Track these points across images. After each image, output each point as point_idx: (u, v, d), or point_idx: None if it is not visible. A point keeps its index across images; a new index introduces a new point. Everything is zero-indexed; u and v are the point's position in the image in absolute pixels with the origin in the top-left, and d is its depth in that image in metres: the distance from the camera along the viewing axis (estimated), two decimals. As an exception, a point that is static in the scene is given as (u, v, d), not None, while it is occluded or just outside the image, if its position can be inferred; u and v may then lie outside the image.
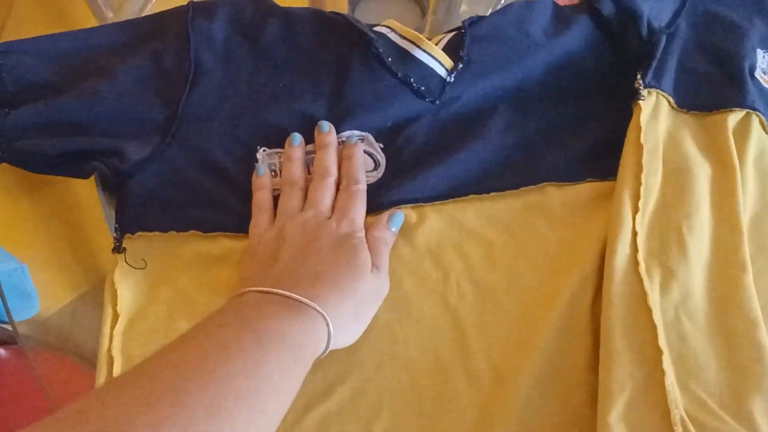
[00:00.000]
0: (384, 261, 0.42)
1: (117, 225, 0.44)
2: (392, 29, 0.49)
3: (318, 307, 0.35)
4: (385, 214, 0.44)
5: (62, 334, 1.31)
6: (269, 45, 0.49)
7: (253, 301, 0.36)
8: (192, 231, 0.44)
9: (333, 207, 0.44)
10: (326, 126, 0.47)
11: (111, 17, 0.56)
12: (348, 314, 0.37)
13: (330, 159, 0.45)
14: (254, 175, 0.46)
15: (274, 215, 0.44)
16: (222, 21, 0.50)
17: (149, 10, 0.57)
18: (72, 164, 0.46)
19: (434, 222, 0.45)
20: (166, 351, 0.32)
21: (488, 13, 0.52)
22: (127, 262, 0.42)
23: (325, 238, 0.40)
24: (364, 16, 0.55)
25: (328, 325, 0.35)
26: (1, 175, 0.48)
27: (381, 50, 0.47)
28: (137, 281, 0.42)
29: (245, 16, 0.50)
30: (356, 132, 0.47)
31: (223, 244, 0.44)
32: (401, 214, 0.44)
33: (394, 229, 0.44)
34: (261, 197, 0.45)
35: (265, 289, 0.36)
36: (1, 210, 0.49)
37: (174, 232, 0.44)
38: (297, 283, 0.37)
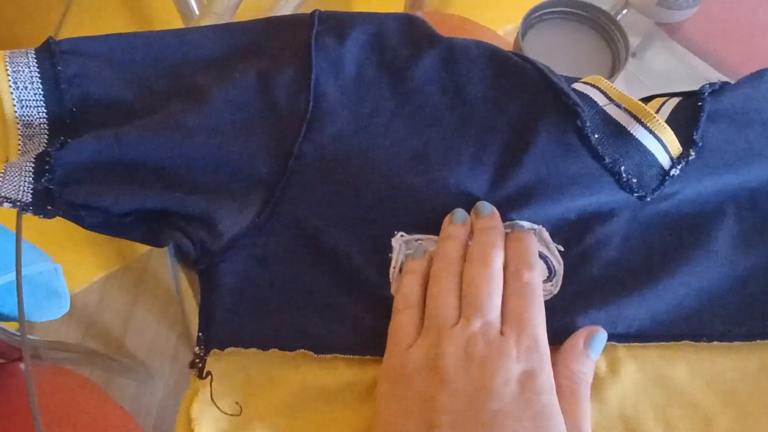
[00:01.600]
0: (586, 419, 0.29)
1: (201, 334, 0.31)
2: (602, 91, 0.35)
3: None
4: (581, 335, 0.31)
5: (87, 314, 1.21)
6: (419, 86, 0.36)
7: None
8: (300, 350, 0.31)
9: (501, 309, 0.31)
10: (488, 208, 0.34)
11: (198, 15, 0.43)
12: None
13: (497, 241, 0.32)
14: (410, 258, 0.33)
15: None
16: (357, 43, 0.37)
17: (246, 15, 0.44)
18: (143, 228, 0.34)
19: (631, 373, 0.32)
20: None
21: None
22: (213, 400, 0.30)
23: (502, 386, 0.28)
24: (534, 45, 0.41)
25: None
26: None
27: (588, 124, 0.34)
28: (222, 419, 0.30)
29: (390, 41, 0.37)
30: (525, 223, 0.34)
31: (342, 372, 0.31)
32: (603, 334, 0.31)
33: (593, 357, 0.31)
34: (412, 285, 0.32)
35: None
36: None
37: (277, 351, 0.31)
38: None
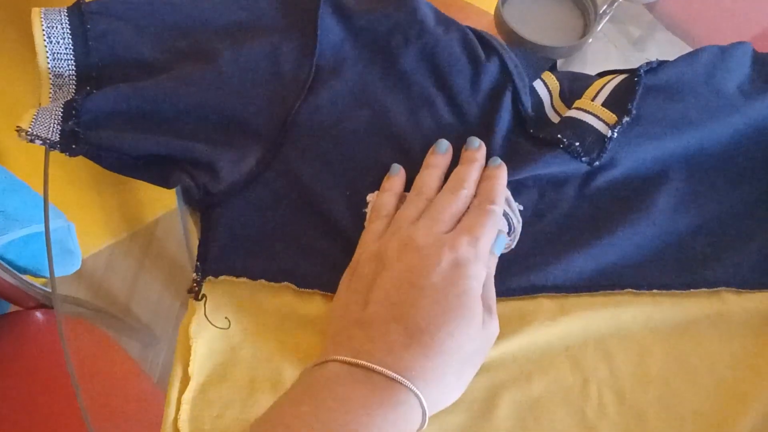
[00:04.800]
0: (494, 298, 0.34)
1: (198, 263, 0.36)
2: (549, 91, 0.41)
3: (414, 388, 0.29)
4: None
5: (95, 280, 1.26)
6: (408, 70, 0.41)
7: (337, 380, 0.29)
8: (286, 283, 0.36)
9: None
10: (476, 143, 0.38)
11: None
12: (449, 383, 0.31)
13: (470, 174, 0.37)
14: (387, 176, 0.38)
15: None
16: (356, 25, 0.41)
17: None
18: (154, 169, 0.38)
19: (578, 316, 0.36)
20: None
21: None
22: (206, 317, 0.35)
23: (433, 267, 0.32)
24: (513, 11, 0.46)
25: (422, 406, 0.29)
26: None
27: (532, 130, 0.40)
28: (215, 337, 0.35)
29: (384, 27, 0.41)
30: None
31: (319, 305, 0.36)
32: (503, 238, 0.36)
33: (497, 253, 0.36)
34: (385, 200, 0.37)
35: (350, 360, 0.30)
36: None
37: (264, 282, 0.36)
38: (390, 348, 0.30)
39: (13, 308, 0.73)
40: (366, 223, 0.37)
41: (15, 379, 0.67)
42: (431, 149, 0.39)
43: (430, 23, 0.41)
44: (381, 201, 0.37)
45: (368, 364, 0.29)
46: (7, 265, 0.68)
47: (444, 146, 0.38)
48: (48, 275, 0.79)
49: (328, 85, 0.40)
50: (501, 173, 0.37)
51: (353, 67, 0.41)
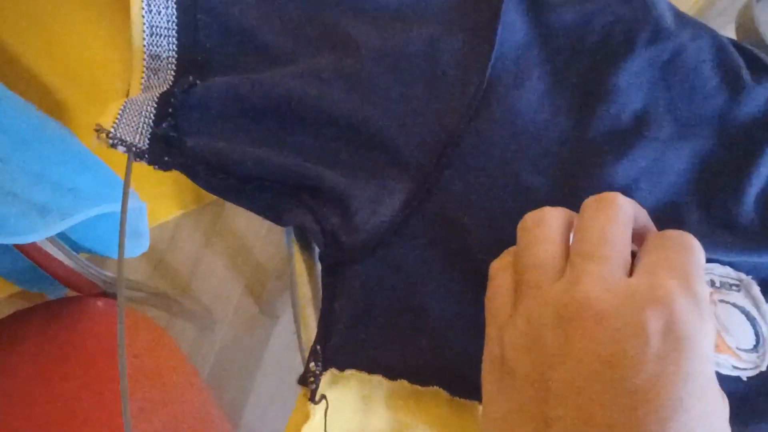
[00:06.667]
0: None
1: (318, 348, 0.26)
2: None
3: None
4: None
5: (158, 251, 1.20)
6: (622, 80, 0.29)
7: None
8: (434, 387, 0.25)
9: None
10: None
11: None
12: None
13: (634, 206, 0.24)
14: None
15: None
16: (557, 25, 0.30)
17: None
18: (267, 198, 0.28)
19: None
20: None
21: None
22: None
23: (642, 351, 0.19)
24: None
25: None
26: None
27: None
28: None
29: (595, 27, 0.30)
30: (731, 271, 0.27)
31: (478, 421, 0.25)
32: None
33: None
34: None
35: None
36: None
37: (406, 383, 0.25)
38: None
39: (70, 293, 0.67)
40: (488, 290, 0.25)
41: (70, 368, 0.61)
42: None
43: (668, 23, 0.29)
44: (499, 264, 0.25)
45: None
46: (68, 247, 0.62)
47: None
48: (113, 256, 0.73)
49: (505, 101, 0.29)
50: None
51: (542, 79, 0.30)
